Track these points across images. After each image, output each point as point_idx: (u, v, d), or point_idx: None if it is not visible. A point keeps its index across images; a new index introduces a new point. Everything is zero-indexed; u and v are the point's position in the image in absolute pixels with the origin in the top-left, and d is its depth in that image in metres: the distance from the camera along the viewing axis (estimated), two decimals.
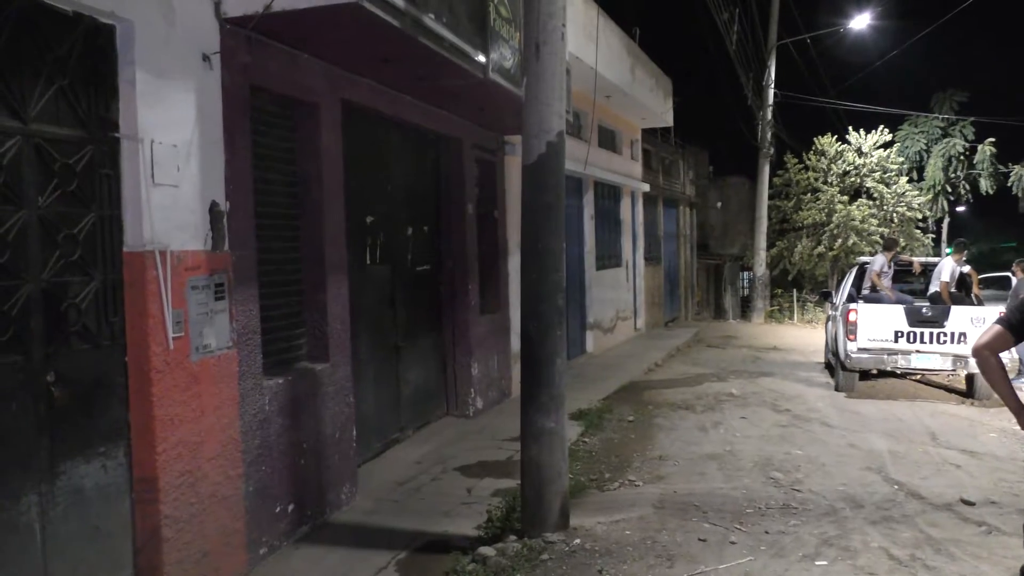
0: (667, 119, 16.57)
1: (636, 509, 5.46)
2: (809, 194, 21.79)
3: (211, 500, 4.23)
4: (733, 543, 4.81)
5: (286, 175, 5.39)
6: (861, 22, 20.43)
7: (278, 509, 4.89)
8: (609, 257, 14.53)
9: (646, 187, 16.67)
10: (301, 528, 5.12)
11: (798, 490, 5.93)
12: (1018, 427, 3.18)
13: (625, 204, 15.63)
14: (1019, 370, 10.22)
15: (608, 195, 14.63)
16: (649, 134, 17.93)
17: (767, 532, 5.00)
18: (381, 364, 6.97)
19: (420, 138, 7.67)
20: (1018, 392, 3.15)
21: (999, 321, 3.24)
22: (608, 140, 14.53)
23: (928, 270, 11.09)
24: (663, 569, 4.44)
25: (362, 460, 6.32)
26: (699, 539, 4.88)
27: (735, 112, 21.76)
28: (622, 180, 15.06)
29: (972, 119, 24.80)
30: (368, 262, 6.75)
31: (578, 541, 4.78)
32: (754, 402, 9.49)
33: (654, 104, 15.20)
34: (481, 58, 6.26)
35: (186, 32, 4.15)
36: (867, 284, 10.79)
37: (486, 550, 4.64)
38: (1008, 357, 9.05)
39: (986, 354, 3.22)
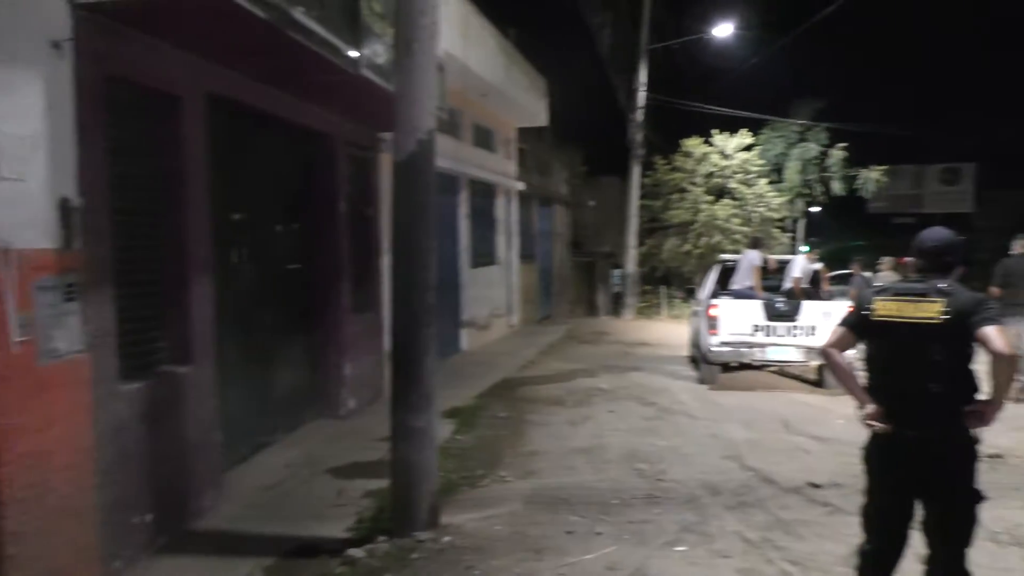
0: (542, 118, 16.82)
1: (507, 504, 5.55)
2: (677, 194, 22.56)
3: (61, 514, 4.01)
4: (599, 534, 4.97)
5: (147, 169, 5.16)
6: (724, 31, 21.36)
7: (136, 520, 4.69)
8: (484, 255, 14.64)
9: (521, 185, 16.88)
10: (161, 538, 4.93)
11: (661, 480, 6.17)
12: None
13: (500, 202, 15.79)
14: None
15: (483, 193, 14.74)
16: (524, 133, 18.12)
17: (631, 522, 5.18)
18: (249, 366, 6.79)
19: (291, 133, 7.50)
20: None
21: (842, 322, 3.50)
22: (483, 138, 14.63)
23: (783, 267, 11.70)
24: (532, 562, 4.54)
25: (229, 465, 6.14)
26: (567, 531, 5.02)
27: (608, 113, 22.29)
28: (497, 178, 15.20)
29: (826, 125, 26.30)
30: (235, 260, 6.56)
31: (448, 539, 4.82)
32: (623, 396, 9.78)
33: (529, 103, 15.42)
34: (353, 53, 6.20)
35: (34, 17, 3.92)
36: (746, 282, 11.16)
37: (355, 552, 4.62)
38: None
39: (832, 352, 3.48)
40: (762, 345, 10.20)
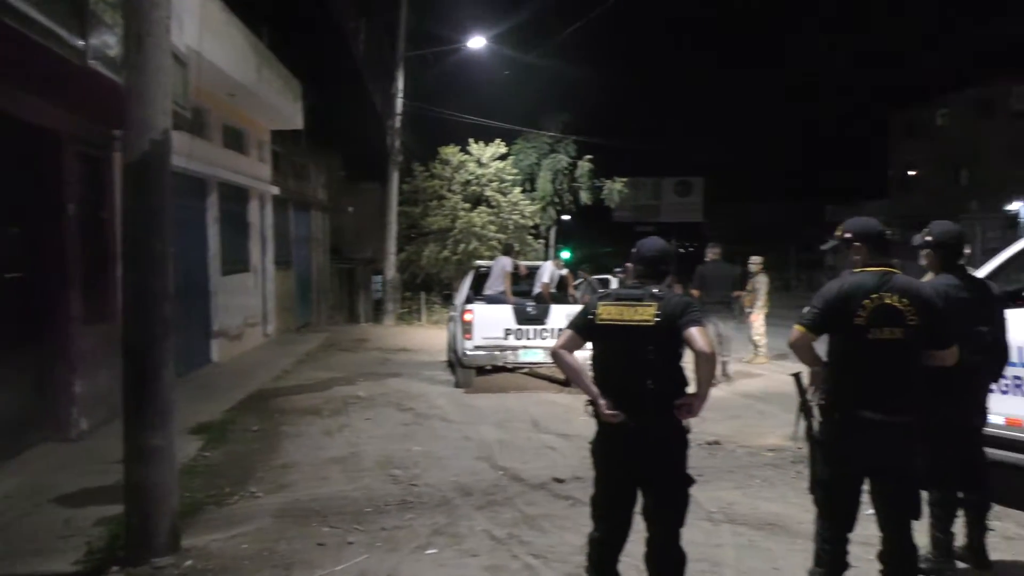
0: (297, 122, 16.41)
1: (255, 521, 5.36)
2: (435, 201, 22.93)
3: None
4: (351, 543, 4.94)
5: None
6: (478, 43, 22.02)
7: None
8: (236, 262, 14.01)
9: (276, 190, 16.37)
10: None
11: (415, 485, 6.24)
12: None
13: (253, 207, 15.20)
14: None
15: (235, 197, 14.12)
16: (280, 136, 17.60)
17: (384, 529, 5.20)
18: None
19: (10, 128, 6.75)
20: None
21: (569, 326, 3.75)
22: (235, 140, 14.01)
23: (534, 273, 12.24)
24: None
25: None
26: (318, 544, 4.93)
27: (367, 119, 22.21)
28: (250, 182, 14.63)
29: (574, 138, 27.92)
30: None
31: (190, 563, 4.58)
32: (380, 403, 9.77)
33: (283, 105, 14.99)
34: (79, 43, 5.73)
35: None
36: (498, 287, 11.54)
37: None
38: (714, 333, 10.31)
39: (562, 354, 3.71)
40: (514, 348, 10.62)
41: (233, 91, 12.25)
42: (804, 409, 3.76)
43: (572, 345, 3.70)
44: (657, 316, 3.49)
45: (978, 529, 4.54)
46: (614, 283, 13.90)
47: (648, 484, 3.59)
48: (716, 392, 10.35)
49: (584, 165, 26.98)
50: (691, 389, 3.57)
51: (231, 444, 7.66)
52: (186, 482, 5.97)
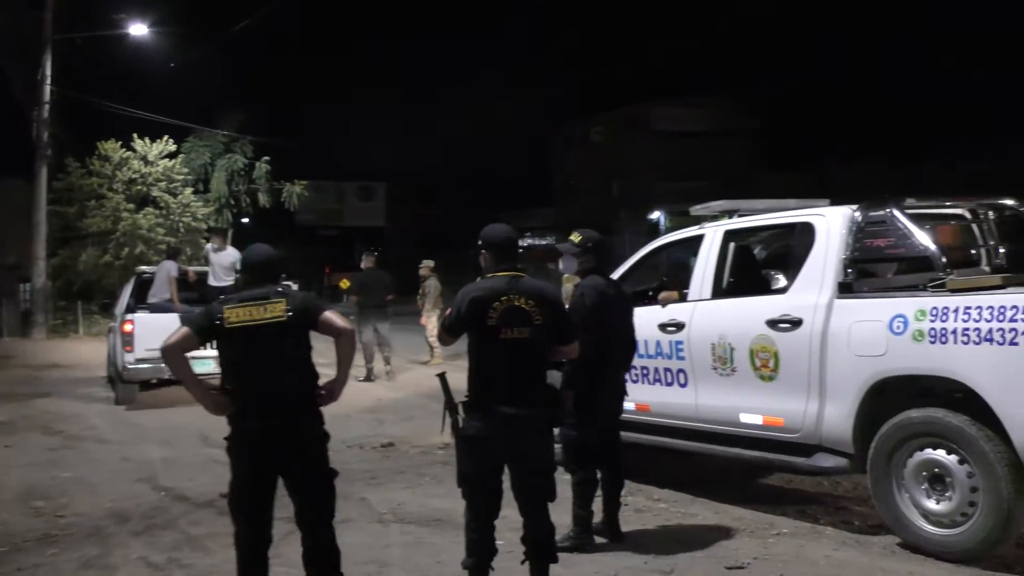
0: None
1: None
2: (94, 201, 20.97)
3: None
4: None
5: None
6: (140, 30, 20.51)
7: None
8: None
9: None
10: None
11: (62, 516, 5.68)
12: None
13: None
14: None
15: None
16: None
17: (20, 569, 4.67)
18: None
19: None
20: None
21: (187, 324, 3.68)
22: None
23: (203, 278, 11.60)
24: None
25: None
26: None
27: (6, 107, 19.73)
28: None
29: (251, 138, 26.88)
30: None
31: None
32: (24, 427, 8.79)
33: None
34: None
35: None
36: (163, 294, 10.76)
37: None
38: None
39: (176, 354, 3.63)
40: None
41: None
42: (449, 407, 4.01)
43: (187, 345, 3.64)
44: (288, 310, 3.61)
45: (613, 505, 5.12)
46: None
47: (294, 480, 3.64)
48: (392, 394, 10.69)
49: (262, 166, 26.06)
50: (323, 381, 3.74)
51: None
52: None
